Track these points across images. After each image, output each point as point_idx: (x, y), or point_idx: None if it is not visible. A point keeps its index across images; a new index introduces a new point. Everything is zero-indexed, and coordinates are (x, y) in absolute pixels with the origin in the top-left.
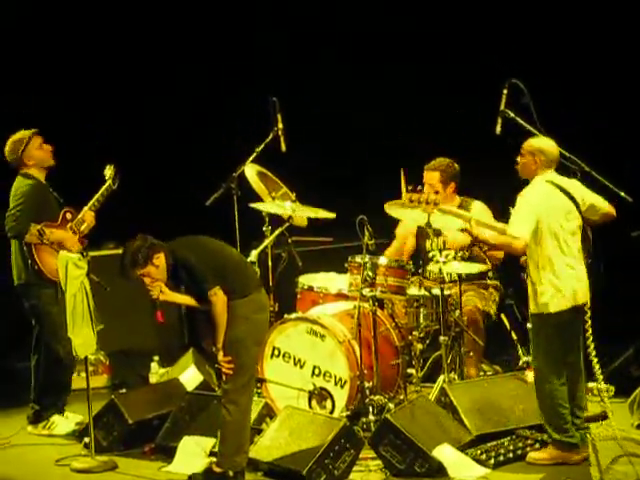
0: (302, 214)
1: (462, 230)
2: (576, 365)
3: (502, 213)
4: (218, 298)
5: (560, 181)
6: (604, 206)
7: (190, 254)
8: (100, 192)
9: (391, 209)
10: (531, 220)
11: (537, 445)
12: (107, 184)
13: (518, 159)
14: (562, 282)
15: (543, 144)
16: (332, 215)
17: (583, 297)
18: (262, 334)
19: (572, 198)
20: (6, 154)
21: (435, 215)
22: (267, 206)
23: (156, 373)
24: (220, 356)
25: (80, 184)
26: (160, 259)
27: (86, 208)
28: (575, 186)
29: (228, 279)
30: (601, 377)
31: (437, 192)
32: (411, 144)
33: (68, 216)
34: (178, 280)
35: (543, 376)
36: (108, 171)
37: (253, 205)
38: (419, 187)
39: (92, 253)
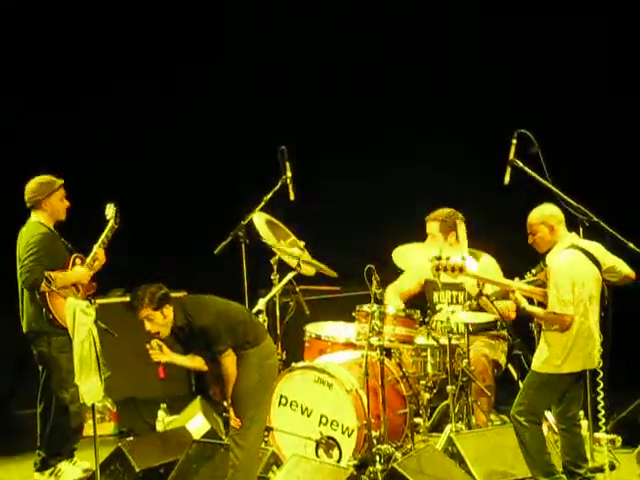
0: (307, 267)
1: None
2: (576, 418)
3: (510, 268)
4: (229, 358)
5: (583, 244)
6: (624, 269)
7: (206, 318)
8: (105, 232)
9: (397, 258)
10: (569, 293)
11: None
12: (110, 224)
13: (530, 238)
14: (581, 347)
15: (547, 209)
16: (333, 274)
17: (596, 361)
18: (273, 380)
19: (596, 262)
20: (27, 192)
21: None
22: (278, 247)
23: (163, 421)
24: (232, 414)
25: (81, 230)
26: (169, 312)
27: (96, 246)
28: (597, 248)
29: (240, 334)
30: (608, 428)
31: (463, 257)
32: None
33: (78, 262)
34: (188, 344)
35: (527, 426)
36: (109, 210)
37: (265, 241)
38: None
39: (99, 300)
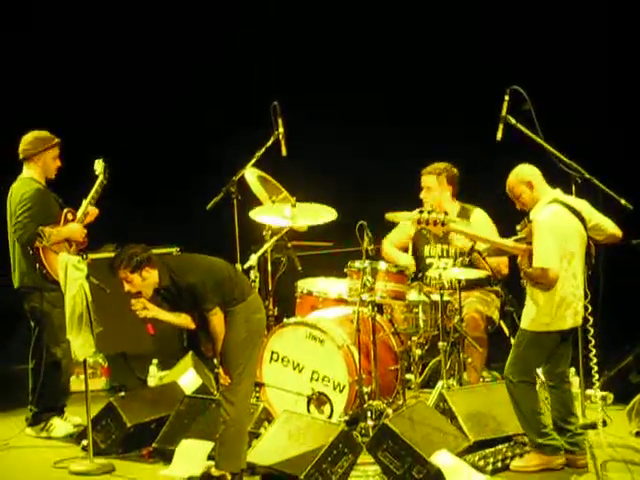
0: (301, 223)
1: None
2: (565, 375)
3: (501, 219)
4: (217, 317)
5: (566, 199)
6: (610, 227)
7: (192, 277)
8: (95, 187)
9: (390, 217)
10: (554, 248)
11: None
12: (100, 179)
13: (517, 204)
14: (567, 304)
15: (520, 168)
16: (333, 215)
17: (581, 319)
18: (261, 334)
19: (581, 218)
20: (23, 143)
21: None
22: (265, 214)
23: (155, 376)
24: (221, 371)
25: (69, 182)
26: (151, 275)
27: (86, 202)
28: (582, 205)
29: (226, 291)
30: (599, 384)
31: (446, 213)
32: (411, 151)
33: (69, 216)
34: (175, 304)
35: (520, 386)
36: (98, 166)
37: (252, 215)
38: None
39: (92, 256)
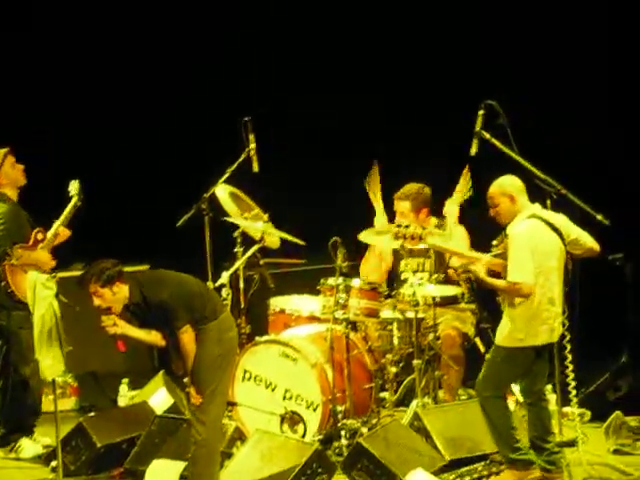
0: (274, 236)
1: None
2: (542, 392)
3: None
4: (188, 335)
5: (544, 214)
6: (588, 241)
7: (162, 293)
8: (68, 209)
9: (365, 237)
10: (529, 261)
11: None
12: (73, 201)
13: (492, 211)
14: (542, 320)
15: (506, 179)
16: (301, 242)
17: (558, 335)
18: (233, 353)
19: (559, 233)
20: None
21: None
22: (241, 222)
23: (125, 396)
24: (192, 391)
25: (43, 203)
26: (121, 290)
27: (58, 222)
28: (560, 219)
29: (197, 308)
30: (576, 401)
31: (424, 228)
32: (387, 161)
33: (39, 236)
34: (145, 320)
35: (492, 401)
36: (72, 187)
37: (228, 219)
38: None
39: (60, 274)
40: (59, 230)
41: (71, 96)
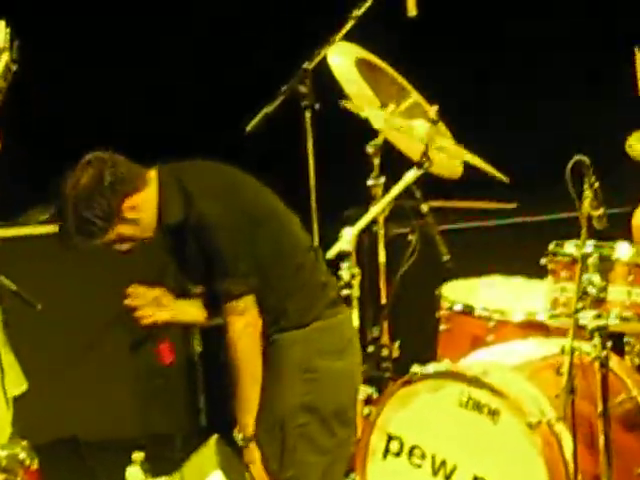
0: (451, 155)
1: None
2: None
3: None
4: (245, 317)
5: None
6: None
7: (215, 205)
8: None
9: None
10: None
11: None
12: (3, 63)
13: None
14: None
15: None
16: (501, 177)
17: None
18: (343, 407)
19: None
20: None
21: None
22: (379, 119)
23: None
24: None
25: None
26: (138, 202)
27: None
28: None
29: (272, 282)
30: None
31: None
32: None
33: None
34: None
35: None
36: None
37: (351, 108)
38: None
39: (2, 232)
40: None
41: None
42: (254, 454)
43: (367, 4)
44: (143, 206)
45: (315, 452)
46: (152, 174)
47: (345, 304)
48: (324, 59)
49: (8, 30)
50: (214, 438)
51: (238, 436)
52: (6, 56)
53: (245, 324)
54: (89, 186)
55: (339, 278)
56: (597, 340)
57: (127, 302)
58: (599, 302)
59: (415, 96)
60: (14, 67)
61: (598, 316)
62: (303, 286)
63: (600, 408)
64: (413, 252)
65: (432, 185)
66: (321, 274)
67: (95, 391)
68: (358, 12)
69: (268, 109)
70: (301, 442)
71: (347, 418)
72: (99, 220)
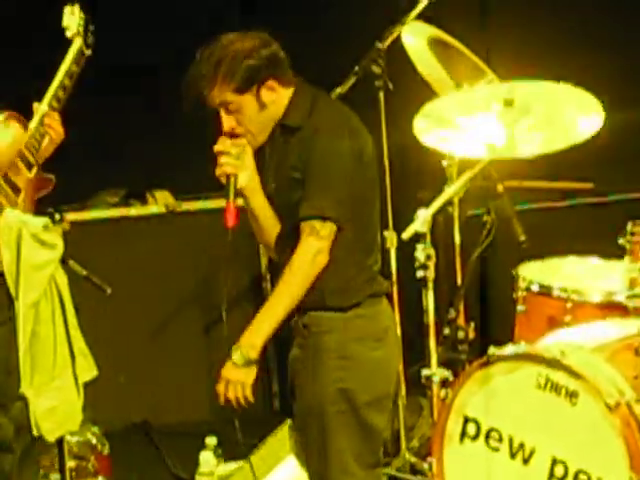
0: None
1: None
2: None
3: None
4: (321, 243)
5: None
6: None
7: (339, 140)
8: (64, 69)
9: None
10: None
11: None
12: (76, 47)
13: None
14: None
15: None
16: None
17: None
18: (378, 396)
19: None
20: None
21: None
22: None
23: (210, 474)
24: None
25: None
26: (278, 94)
27: (43, 106)
28: None
29: (349, 242)
30: None
31: None
32: None
33: (13, 123)
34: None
35: None
36: (70, 19)
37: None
38: None
39: (72, 216)
40: (49, 117)
41: None
42: (248, 375)
43: None
44: (277, 94)
45: (349, 439)
46: (296, 80)
47: (387, 299)
48: (398, 40)
49: (82, 15)
50: (288, 423)
51: (236, 352)
52: (79, 41)
53: (318, 250)
54: (249, 48)
55: (414, 259)
56: None
57: (216, 147)
58: None
59: (491, 75)
60: (88, 52)
61: None
62: (363, 269)
63: None
64: (489, 233)
65: (507, 165)
66: (378, 264)
67: (166, 376)
68: None
69: (342, 89)
70: (338, 427)
71: (382, 407)
72: (245, 73)
